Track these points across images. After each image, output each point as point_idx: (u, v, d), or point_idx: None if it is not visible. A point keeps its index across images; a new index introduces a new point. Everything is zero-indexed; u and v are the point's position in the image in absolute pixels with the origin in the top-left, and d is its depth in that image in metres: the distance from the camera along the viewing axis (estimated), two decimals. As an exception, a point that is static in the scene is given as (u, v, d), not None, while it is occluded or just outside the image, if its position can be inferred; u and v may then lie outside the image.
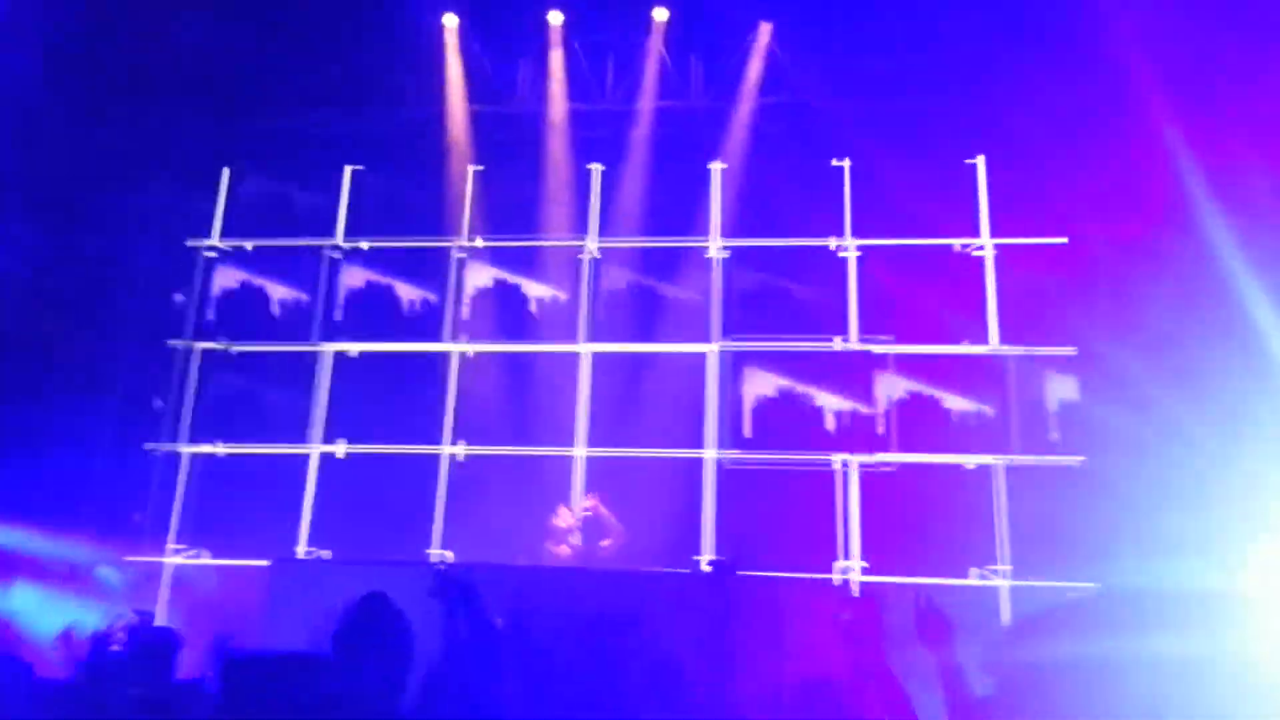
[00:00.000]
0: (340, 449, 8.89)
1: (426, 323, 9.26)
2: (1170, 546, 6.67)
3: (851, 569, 8.02)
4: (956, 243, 8.74)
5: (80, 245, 9.23)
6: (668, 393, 8.76)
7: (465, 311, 9.27)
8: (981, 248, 8.72)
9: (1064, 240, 8.59)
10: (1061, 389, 8.45)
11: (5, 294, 8.64)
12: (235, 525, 8.61)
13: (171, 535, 8.73)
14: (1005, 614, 7.71)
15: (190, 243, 9.54)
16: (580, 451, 8.66)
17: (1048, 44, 8.27)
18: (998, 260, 8.67)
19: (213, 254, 9.53)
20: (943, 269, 8.67)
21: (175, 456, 8.98)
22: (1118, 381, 7.77)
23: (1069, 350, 8.40)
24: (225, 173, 9.68)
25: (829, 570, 8.03)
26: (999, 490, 8.15)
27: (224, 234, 9.57)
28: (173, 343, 9.26)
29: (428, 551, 8.30)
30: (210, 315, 9.42)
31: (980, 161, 8.89)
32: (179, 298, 9.45)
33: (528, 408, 8.91)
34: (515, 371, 9.06)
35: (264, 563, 7.52)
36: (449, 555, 8.27)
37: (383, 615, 2.75)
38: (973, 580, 7.84)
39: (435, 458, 8.76)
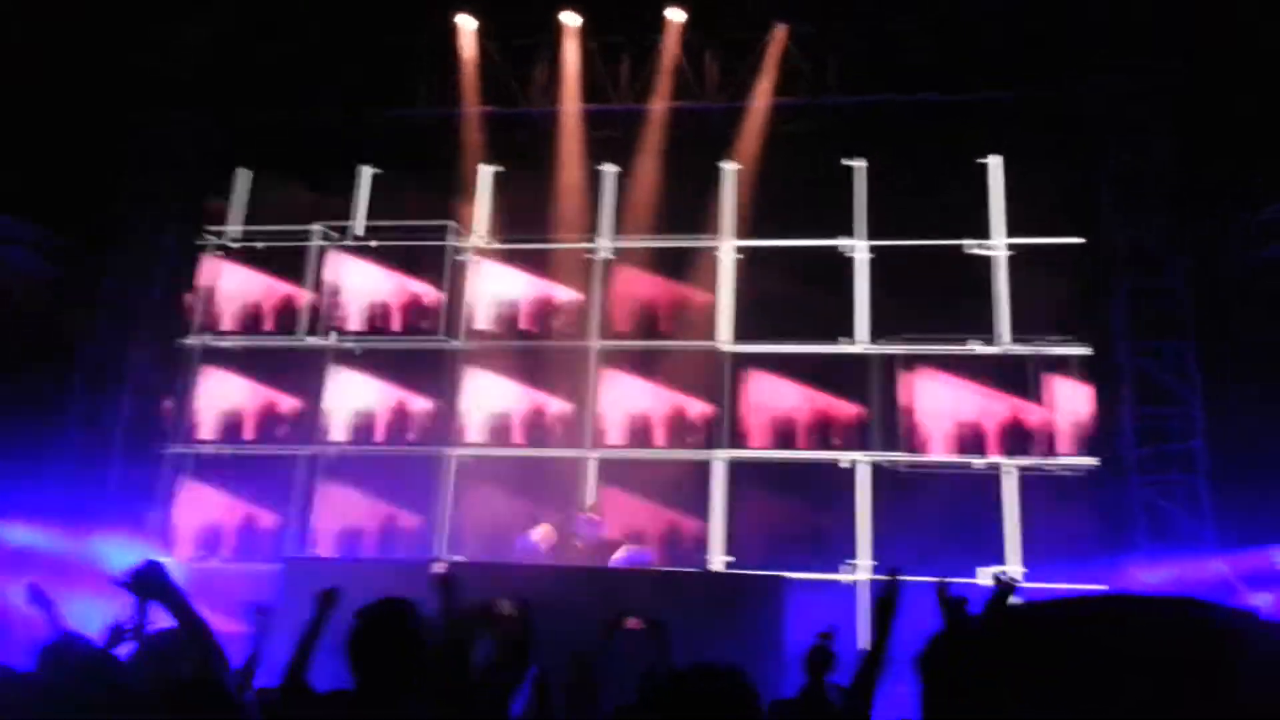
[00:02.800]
0: (350, 450, 8.91)
1: (435, 321, 9.26)
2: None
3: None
4: (966, 243, 8.71)
5: (93, 243, 9.28)
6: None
7: (475, 309, 9.26)
8: (995, 248, 8.69)
9: (1080, 240, 8.56)
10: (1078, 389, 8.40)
11: (22, 293, 8.71)
12: (248, 526, 8.66)
13: (184, 537, 8.77)
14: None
15: (202, 241, 9.58)
16: (592, 453, 8.66)
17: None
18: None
19: (223, 252, 9.56)
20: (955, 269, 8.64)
21: (188, 456, 9.01)
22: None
23: (1084, 348, 8.36)
24: (242, 173, 9.72)
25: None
26: (1010, 490, 8.12)
27: (233, 231, 9.61)
28: (184, 341, 9.30)
29: (438, 552, 8.33)
30: (221, 313, 9.44)
31: (993, 161, 8.86)
32: (190, 296, 9.47)
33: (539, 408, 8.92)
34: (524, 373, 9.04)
35: (274, 566, 7.57)
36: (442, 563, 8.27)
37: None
38: (983, 580, 7.79)
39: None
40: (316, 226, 9.50)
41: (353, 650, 2.51)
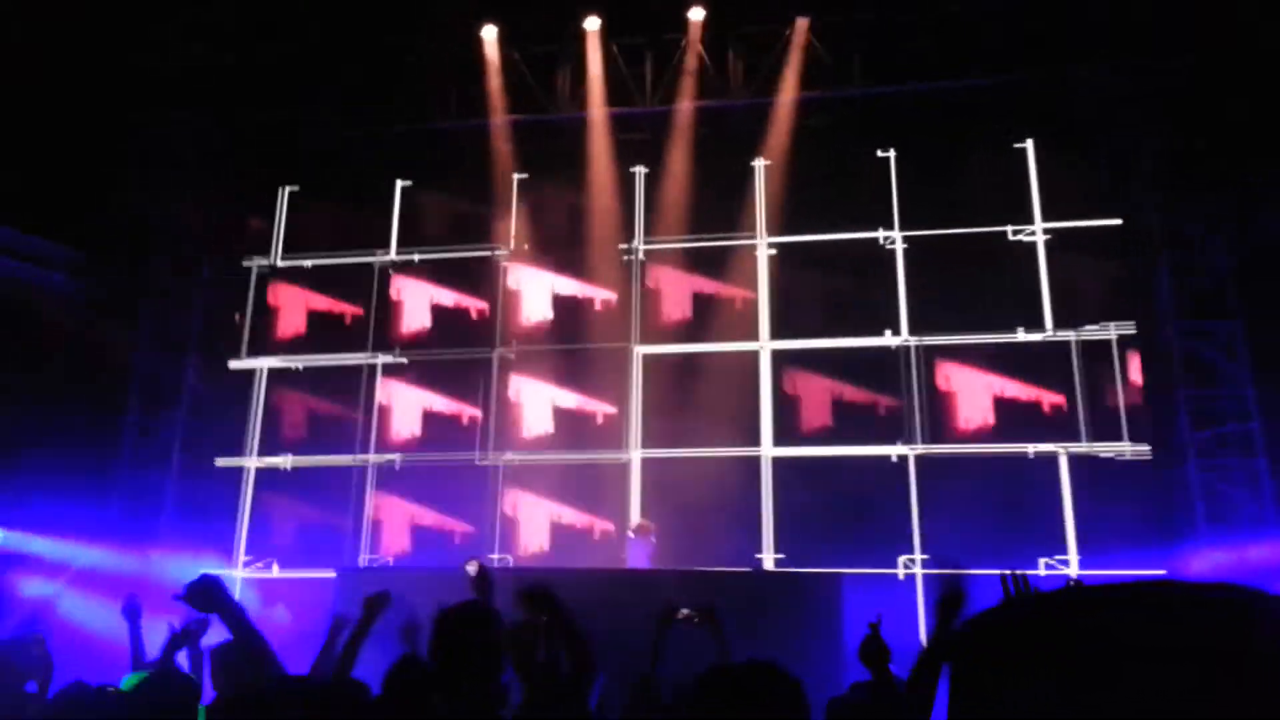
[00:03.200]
0: (397, 458, 9.02)
1: (476, 329, 9.34)
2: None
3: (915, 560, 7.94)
4: (1008, 229, 8.62)
5: (141, 263, 9.48)
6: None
7: (518, 317, 9.33)
8: (1034, 233, 8.59)
9: (1118, 221, 8.44)
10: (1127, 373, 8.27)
11: (62, 316, 8.91)
12: (300, 537, 8.80)
13: (240, 547, 8.93)
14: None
15: (247, 262, 9.76)
16: (635, 454, 8.69)
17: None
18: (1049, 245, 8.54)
19: (267, 271, 9.73)
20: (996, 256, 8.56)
21: (241, 471, 9.18)
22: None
23: (1129, 331, 8.24)
24: (283, 191, 9.88)
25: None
26: (1064, 478, 8.01)
27: (281, 251, 9.77)
28: (235, 364, 9.47)
29: (490, 555, 8.40)
30: (269, 331, 9.61)
31: (1030, 145, 8.76)
32: (239, 316, 9.65)
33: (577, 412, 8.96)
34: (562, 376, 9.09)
35: (330, 573, 7.69)
36: (508, 559, 8.36)
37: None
38: (1040, 570, 7.71)
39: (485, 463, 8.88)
40: (363, 257, 9.62)
41: (437, 648, 2.55)
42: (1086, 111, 8.52)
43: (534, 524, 8.69)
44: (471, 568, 3.86)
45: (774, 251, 9.00)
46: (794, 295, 8.89)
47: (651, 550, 7.41)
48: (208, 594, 2.78)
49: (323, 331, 9.54)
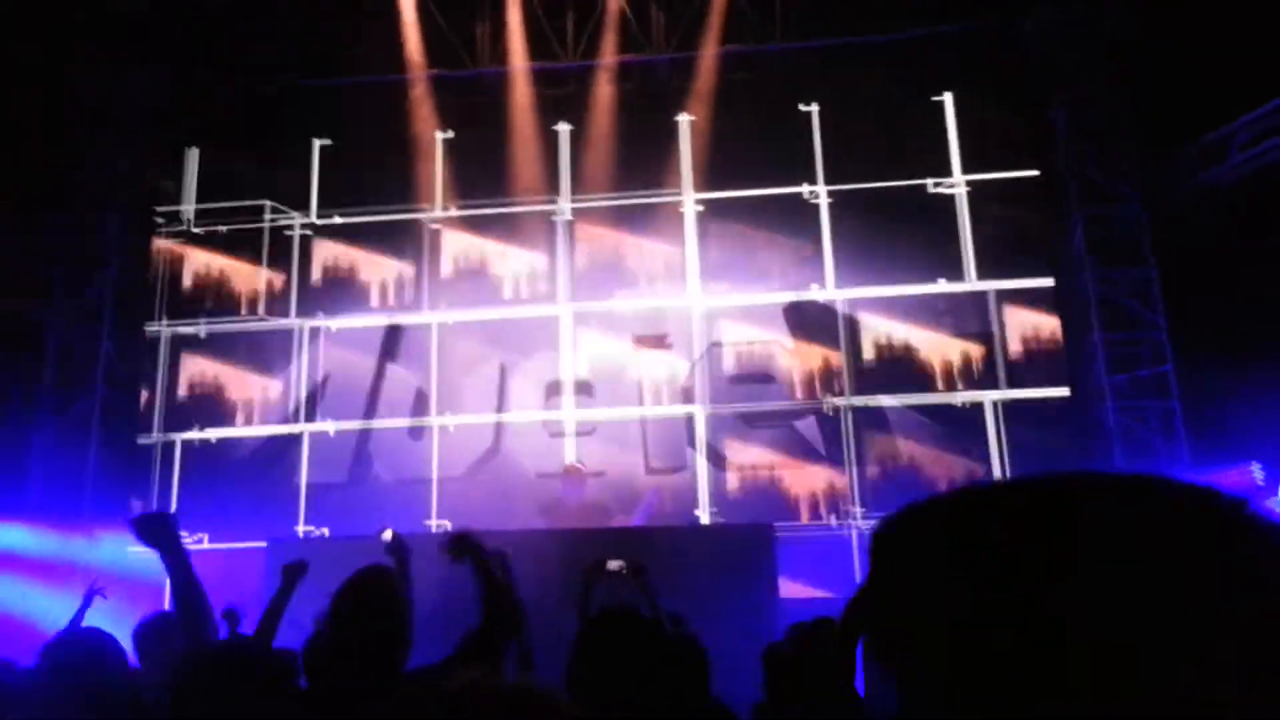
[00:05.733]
0: (330, 427, 8.88)
1: (403, 293, 9.20)
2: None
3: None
4: (929, 182, 8.72)
5: (48, 227, 9.11)
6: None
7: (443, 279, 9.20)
8: (955, 185, 8.71)
9: (1036, 173, 8.61)
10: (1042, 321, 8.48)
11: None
12: (231, 509, 8.63)
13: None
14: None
15: (159, 219, 9.42)
16: (569, 414, 8.68)
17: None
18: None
19: (182, 236, 9.42)
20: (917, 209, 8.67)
21: (167, 445, 8.95)
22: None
23: (1047, 281, 8.44)
24: (193, 151, 9.55)
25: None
26: (990, 425, 8.22)
27: (195, 214, 9.46)
28: (150, 327, 9.19)
29: (426, 522, 8.35)
30: (185, 298, 9.31)
31: (948, 98, 8.85)
32: (150, 278, 9.32)
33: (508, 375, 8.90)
34: (492, 339, 9.01)
35: (261, 544, 7.55)
36: (447, 524, 8.32)
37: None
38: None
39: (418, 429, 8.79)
40: (281, 218, 9.35)
41: (335, 618, 2.52)
42: (1007, 65, 8.65)
43: (473, 488, 8.63)
44: (386, 535, 3.87)
45: (701, 208, 8.99)
46: (721, 251, 8.91)
47: (582, 494, 7.39)
48: (159, 528, 2.74)
49: (238, 296, 9.29)
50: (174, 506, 8.74)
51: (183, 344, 9.18)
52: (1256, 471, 6.85)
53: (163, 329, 9.19)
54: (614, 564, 4.04)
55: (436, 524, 8.36)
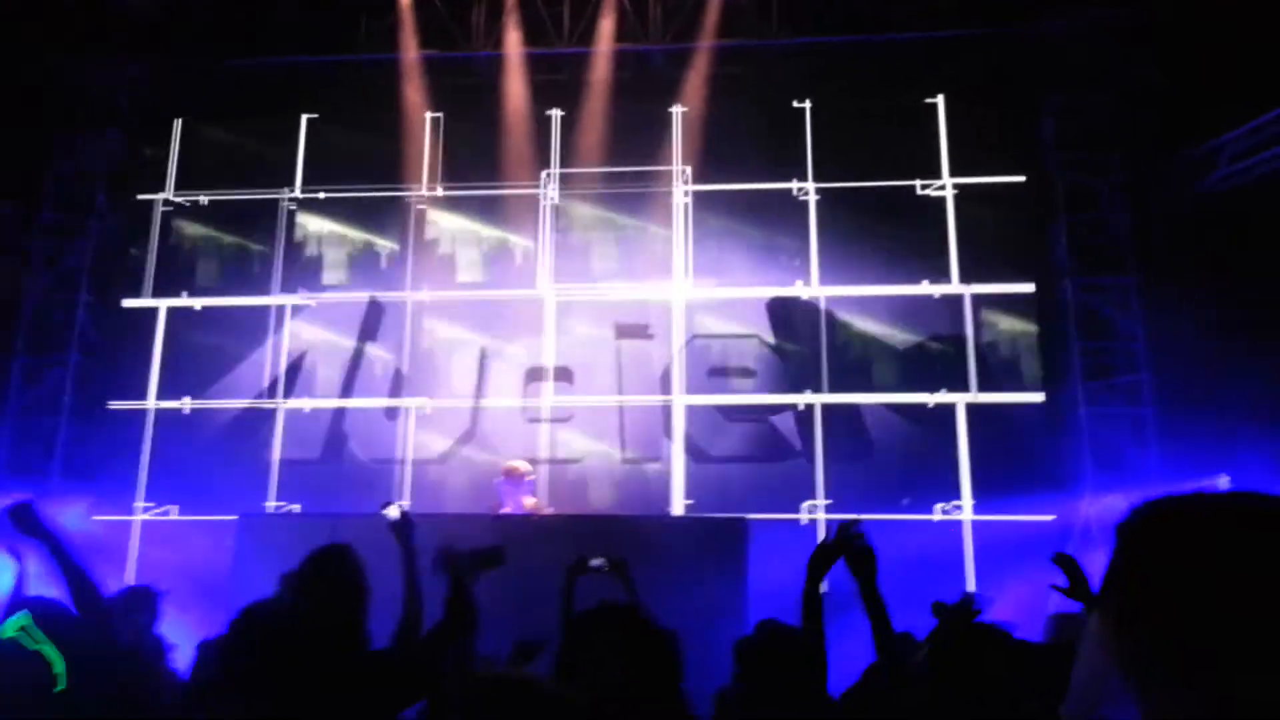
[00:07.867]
0: (306, 404, 8.83)
1: (386, 272, 9.15)
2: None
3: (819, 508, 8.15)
4: (917, 183, 8.76)
5: (28, 201, 9.03)
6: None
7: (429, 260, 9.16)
8: (943, 187, 8.75)
9: (1023, 179, 8.66)
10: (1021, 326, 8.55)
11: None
12: (203, 482, 8.57)
13: (140, 492, 8.67)
14: (968, 548, 7.91)
15: (142, 196, 9.34)
16: (546, 401, 8.67)
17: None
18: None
19: (167, 208, 9.33)
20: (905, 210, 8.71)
21: (140, 414, 8.87)
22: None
23: (1028, 286, 8.51)
24: (177, 124, 9.45)
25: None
26: (960, 427, 8.28)
27: (177, 186, 9.37)
28: (129, 302, 9.11)
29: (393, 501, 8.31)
30: (167, 270, 9.23)
31: (940, 101, 8.88)
32: (134, 253, 9.26)
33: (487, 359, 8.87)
34: (473, 322, 8.98)
35: (232, 517, 7.50)
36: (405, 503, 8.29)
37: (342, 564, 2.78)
38: (936, 515, 7.99)
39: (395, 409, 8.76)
40: (266, 193, 9.27)
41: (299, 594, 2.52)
42: (999, 71, 8.69)
43: (448, 471, 8.62)
44: (393, 511, 3.59)
45: (689, 200, 8.99)
46: (709, 243, 8.91)
47: (522, 496, 7.04)
48: (31, 520, 2.76)
49: (226, 270, 9.23)
50: (143, 476, 8.69)
51: (167, 317, 9.09)
52: (1223, 482, 6.93)
53: (142, 302, 9.10)
54: (596, 561, 4.04)
55: (401, 504, 8.32)
